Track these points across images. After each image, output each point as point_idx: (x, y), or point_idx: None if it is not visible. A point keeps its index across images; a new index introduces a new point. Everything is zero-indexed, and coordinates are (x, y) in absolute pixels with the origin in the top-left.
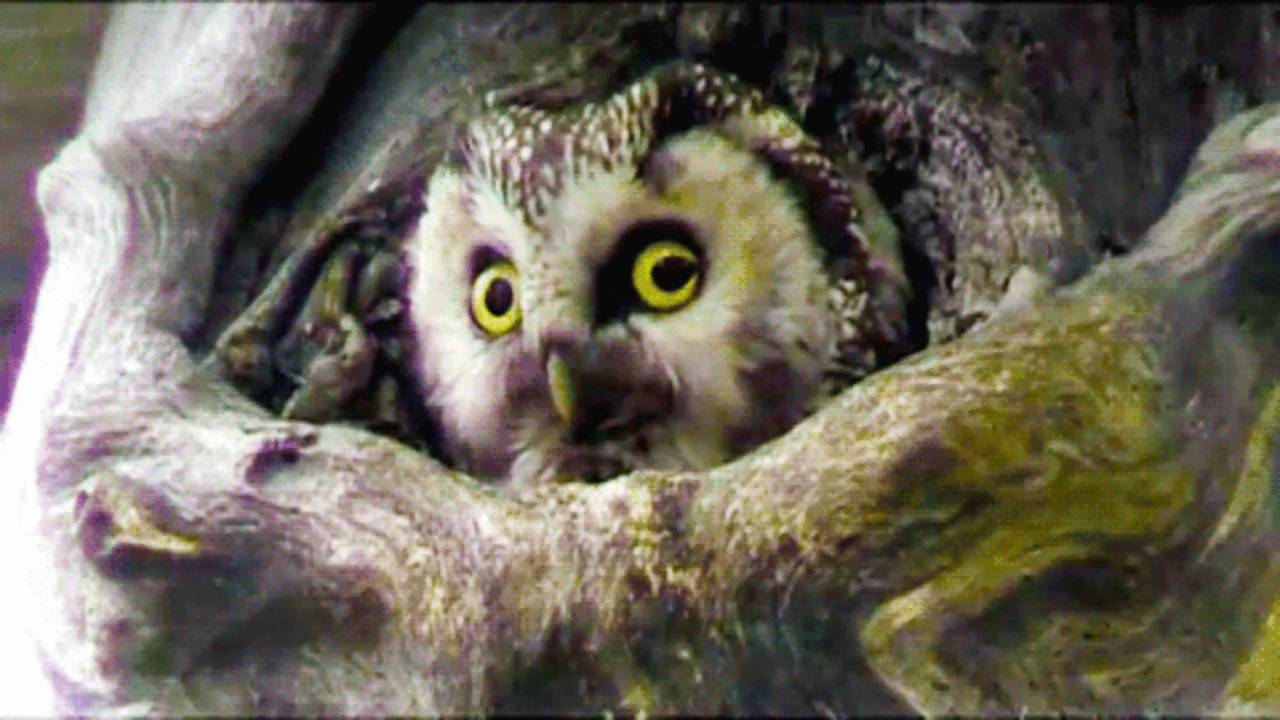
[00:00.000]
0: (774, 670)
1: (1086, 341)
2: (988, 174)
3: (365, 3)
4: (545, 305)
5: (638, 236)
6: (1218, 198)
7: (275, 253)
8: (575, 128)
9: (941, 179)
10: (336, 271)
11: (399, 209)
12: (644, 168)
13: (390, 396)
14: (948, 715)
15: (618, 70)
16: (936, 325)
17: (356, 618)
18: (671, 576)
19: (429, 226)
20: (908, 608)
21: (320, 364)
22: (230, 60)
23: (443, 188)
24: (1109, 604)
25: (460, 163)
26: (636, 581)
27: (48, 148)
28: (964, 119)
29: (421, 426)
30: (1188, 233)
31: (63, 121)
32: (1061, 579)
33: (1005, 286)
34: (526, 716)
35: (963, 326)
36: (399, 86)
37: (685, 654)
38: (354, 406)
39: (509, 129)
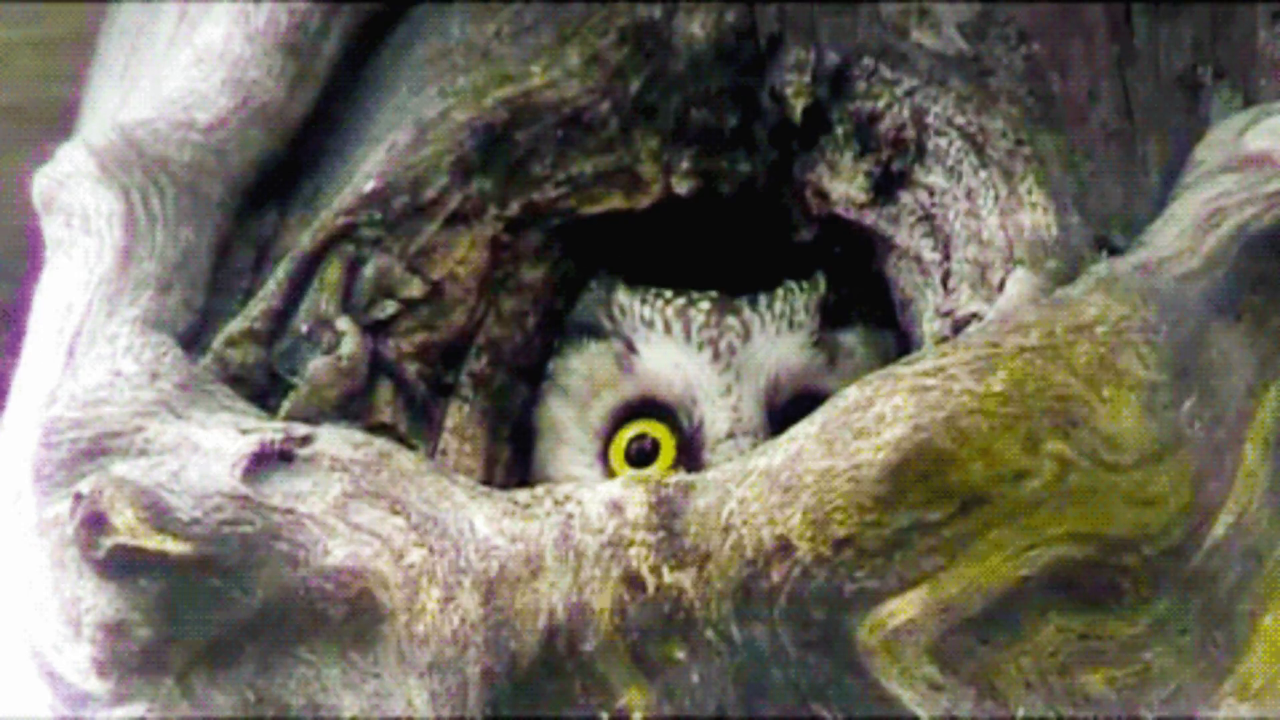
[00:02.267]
0: (770, 670)
1: (1082, 342)
2: (983, 174)
3: (361, 3)
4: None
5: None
6: (1214, 198)
7: (271, 253)
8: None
9: (937, 179)
10: (333, 272)
11: (395, 210)
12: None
13: (386, 397)
14: (944, 715)
15: (614, 71)
16: (933, 326)
17: (352, 618)
18: (667, 577)
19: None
20: (904, 608)
21: (316, 365)
22: (226, 61)
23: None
24: (1105, 604)
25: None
26: (632, 582)
27: (43, 148)
28: (960, 119)
29: (417, 427)
30: (1184, 233)
31: (59, 122)
32: (1058, 579)
33: (1001, 287)
34: (522, 717)
35: (959, 327)
36: (395, 87)
37: (681, 654)
38: (350, 407)
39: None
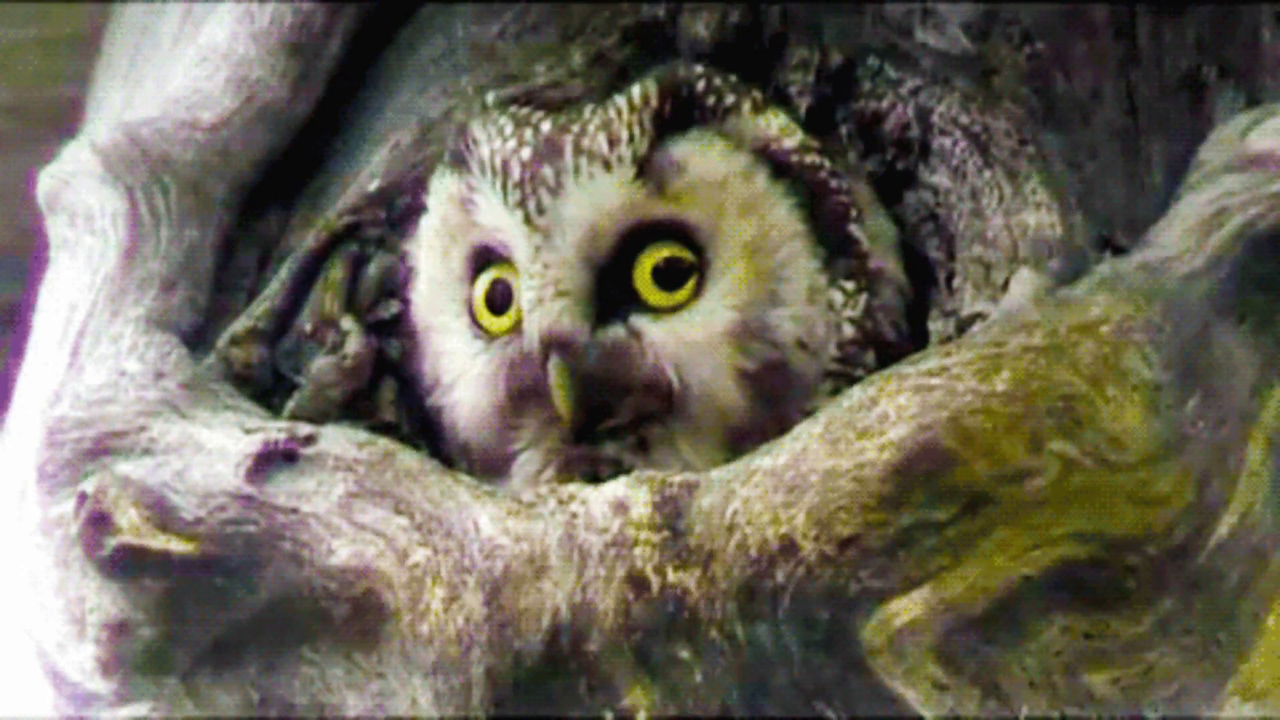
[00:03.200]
0: (774, 670)
1: (1086, 341)
2: (988, 174)
3: (365, 3)
4: (545, 305)
5: (638, 236)
6: (1218, 198)
7: (275, 253)
8: (575, 128)
9: (941, 179)
10: (336, 271)
11: (399, 209)
12: (644, 168)
13: (390, 396)
14: (948, 715)
15: (618, 70)
16: (936, 325)
17: (356, 618)
18: (671, 576)
19: (429, 227)
20: (908, 608)
21: (320, 364)
22: (230, 60)
23: (443, 188)
24: (1109, 604)
25: (460, 163)
26: (636, 581)
27: (48, 148)
28: (964, 119)
29: (421, 426)
30: (1188, 233)
31: (63, 121)
32: (1061, 579)
33: (1005, 286)
34: (526, 716)
35: (963, 326)
36: (399, 86)
37: (685, 654)
38: (354, 406)
39: (509, 129)
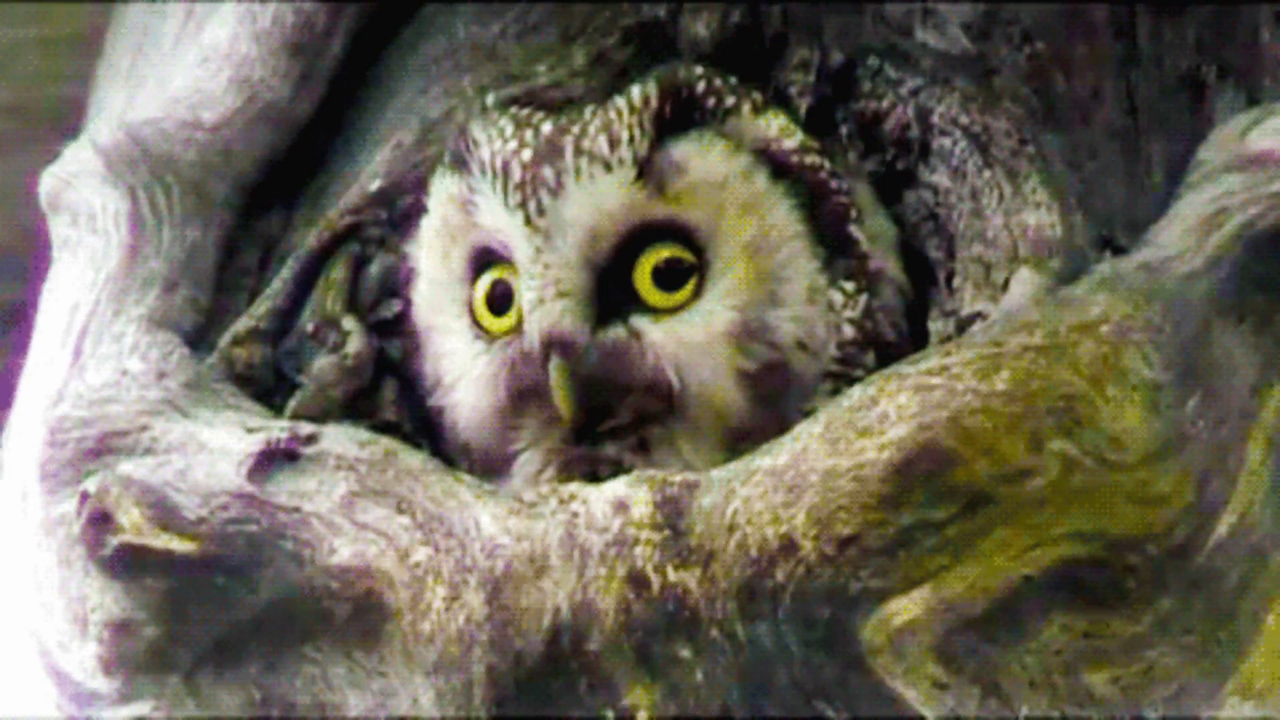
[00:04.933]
0: (774, 669)
1: (1086, 341)
2: (988, 174)
3: (367, 3)
4: (546, 306)
5: (638, 237)
6: (1218, 197)
7: (277, 252)
8: (575, 129)
9: (941, 179)
10: (338, 271)
11: (400, 209)
12: (644, 169)
13: (391, 396)
14: (948, 714)
15: (619, 70)
16: (936, 325)
17: (358, 617)
18: (672, 576)
19: (429, 227)
20: (908, 607)
21: (322, 363)
22: (232, 60)
23: (443, 188)
24: (1109, 603)
25: (461, 164)
26: (637, 581)
27: (49, 148)
28: (964, 119)
29: (423, 426)
30: (1188, 232)
31: (64, 121)
32: (1061, 578)
33: (1005, 286)
34: (527, 716)
35: (963, 326)
36: (400, 86)
37: (686, 653)
38: (355, 406)
39: (509, 130)
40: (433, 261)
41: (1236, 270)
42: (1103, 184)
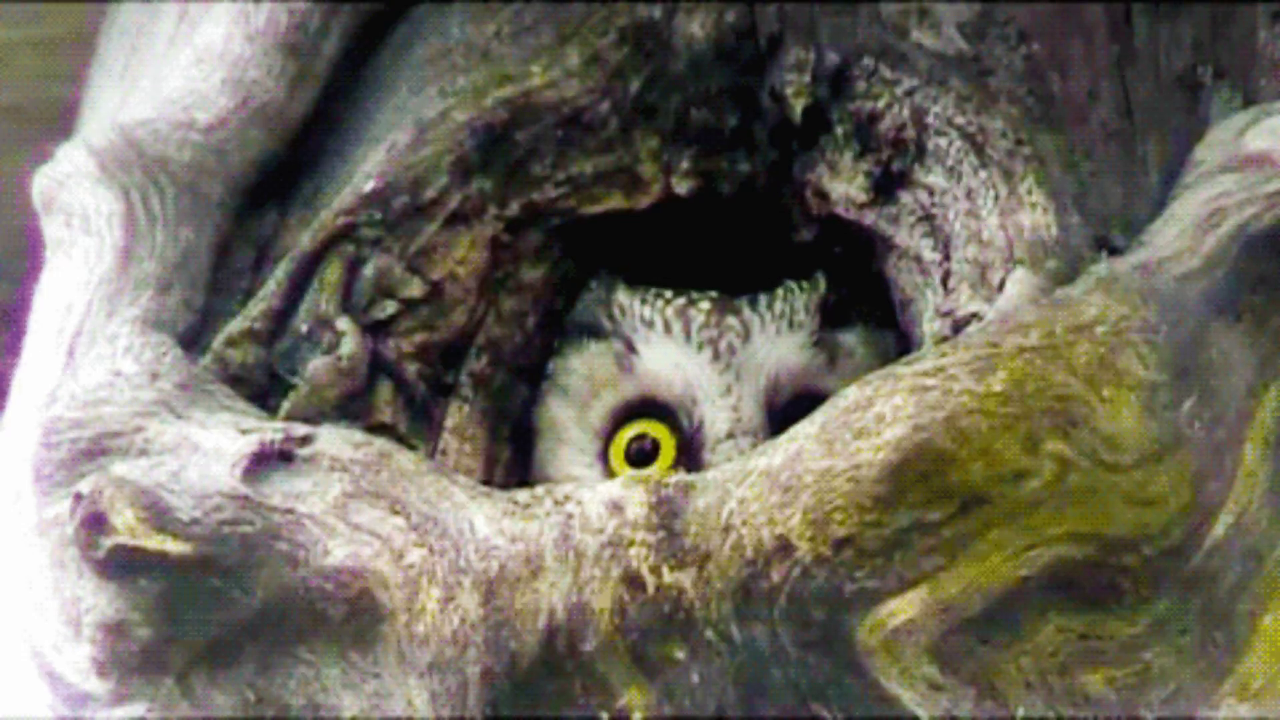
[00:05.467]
0: (770, 670)
1: (1082, 342)
2: (983, 174)
3: (361, 3)
4: (735, 441)
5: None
6: (1214, 198)
7: (271, 253)
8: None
9: (937, 179)
10: (333, 272)
11: (395, 210)
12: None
13: (386, 397)
14: (943, 715)
15: (614, 71)
16: (933, 326)
17: (352, 618)
18: (667, 577)
19: (556, 390)
20: (903, 608)
21: (316, 365)
22: (226, 61)
23: (577, 356)
24: (1105, 604)
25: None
26: (632, 582)
27: (43, 148)
28: (960, 119)
29: (417, 427)
30: (1184, 233)
31: (58, 122)
32: (1057, 579)
33: (1001, 287)
34: (522, 717)
35: (958, 327)
36: (395, 87)
37: (681, 654)
38: (350, 407)
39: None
40: (565, 422)
41: (1233, 271)
42: (1099, 184)
